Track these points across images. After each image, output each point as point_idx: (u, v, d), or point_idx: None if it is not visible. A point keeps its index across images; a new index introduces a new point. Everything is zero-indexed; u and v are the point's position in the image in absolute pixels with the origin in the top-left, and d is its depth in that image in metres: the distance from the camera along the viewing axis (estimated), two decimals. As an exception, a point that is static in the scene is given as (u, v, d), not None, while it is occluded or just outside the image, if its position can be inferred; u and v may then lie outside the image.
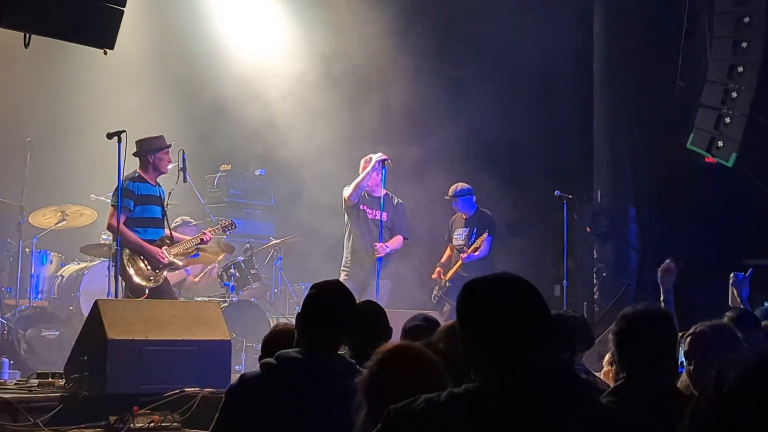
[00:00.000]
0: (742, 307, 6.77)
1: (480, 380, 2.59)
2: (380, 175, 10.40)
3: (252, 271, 11.72)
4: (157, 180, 9.85)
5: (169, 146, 9.84)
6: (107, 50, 8.67)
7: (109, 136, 9.06)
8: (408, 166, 12.02)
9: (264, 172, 14.05)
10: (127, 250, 9.42)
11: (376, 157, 10.32)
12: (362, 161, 10.53)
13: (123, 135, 8.97)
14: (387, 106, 13.04)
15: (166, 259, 9.65)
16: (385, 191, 10.49)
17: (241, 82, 13.33)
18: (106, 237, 11.55)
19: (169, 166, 9.87)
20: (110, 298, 9.51)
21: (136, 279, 9.50)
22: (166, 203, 9.98)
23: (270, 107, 13.15)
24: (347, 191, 10.33)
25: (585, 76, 13.01)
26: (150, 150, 9.69)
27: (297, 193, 13.06)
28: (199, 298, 11.59)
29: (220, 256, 11.71)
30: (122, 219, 9.34)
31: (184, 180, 10.26)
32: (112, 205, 9.56)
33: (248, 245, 11.96)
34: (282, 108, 13.16)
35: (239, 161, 13.96)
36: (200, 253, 11.03)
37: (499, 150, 13.02)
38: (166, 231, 9.88)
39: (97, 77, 12.93)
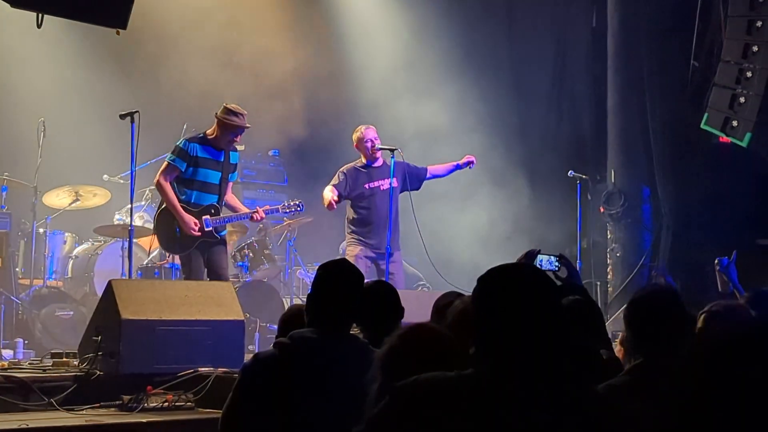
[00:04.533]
0: (734, 290, 6.77)
1: (486, 365, 2.65)
2: (375, 148, 10.18)
3: (265, 252, 11.73)
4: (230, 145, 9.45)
5: (245, 128, 9.40)
6: (120, 30, 8.63)
7: (122, 116, 9.02)
8: (420, 145, 12.00)
9: (278, 153, 14.05)
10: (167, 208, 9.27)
11: (369, 133, 10.19)
12: (355, 135, 10.35)
13: (136, 115, 8.93)
14: (398, 86, 13.02)
15: (196, 231, 9.16)
16: (382, 159, 10.31)
17: (256, 63, 13.30)
18: (120, 218, 11.58)
19: (238, 147, 9.58)
20: (124, 278, 9.54)
21: (163, 242, 9.47)
22: (237, 169, 9.65)
23: (284, 88, 13.13)
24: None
25: (599, 56, 12.96)
26: (225, 123, 9.27)
27: (311, 174, 13.05)
28: (212, 279, 11.61)
29: (234, 237, 11.72)
30: (172, 176, 9.18)
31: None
32: (166, 161, 9.32)
33: (261, 225, 11.95)
34: (297, 89, 13.15)
35: (253, 141, 13.94)
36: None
37: (513, 130, 12.99)
38: (222, 198, 9.44)
39: (110, 57, 12.93)
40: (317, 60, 13.28)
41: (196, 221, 9.19)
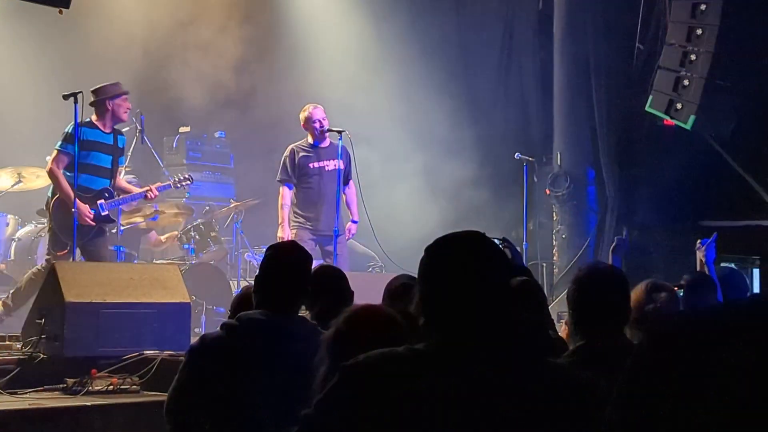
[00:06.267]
0: (706, 270, 6.86)
1: (435, 339, 2.57)
2: (324, 130, 10.13)
3: (212, 234, 11.66)
4: (116, 128, 9.56)
5: (127, 92, 9.55)
6: (63, 9, 8.53)
7: (65, 97, 8.94)
8: (367, 128, 11.98)
9: (224, 134, 13.94)
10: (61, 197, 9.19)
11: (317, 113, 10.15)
12: (302, 115, 10.28)
13: (79, 96, 8.85)
14: (346, 70, 12.99)
15: (90, 221, 9.17)
16: (329, 140, 10.26)
17: (201, 43, 13.19)
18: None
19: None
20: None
21: (63, 231, 9.17)
22: (124, 153, 9.78)
23: (230, 69, 13.04)
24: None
25: (545, 39, 13.02)
26: (108, 96, 9.40)
27: (257, 156, 12.98)
28: (158, 261, 11.53)
29: (180, 219, 11.63)
30: (64, 164, 9.13)
31: (142, 141, 10.14)
32: (56, 149, 9.23)
33: (208, 208, 11.89)
34: (243, 70, 13.06)
35: (198, 123, 13.84)
36: (159, 215, 10.98)
37: (461, 113, 13.01)
38: (114, 182, 9.52)
39: (53, 36, 12.75)
40: (267, 43, 13.20)
41: (89, 211, 9.20)
